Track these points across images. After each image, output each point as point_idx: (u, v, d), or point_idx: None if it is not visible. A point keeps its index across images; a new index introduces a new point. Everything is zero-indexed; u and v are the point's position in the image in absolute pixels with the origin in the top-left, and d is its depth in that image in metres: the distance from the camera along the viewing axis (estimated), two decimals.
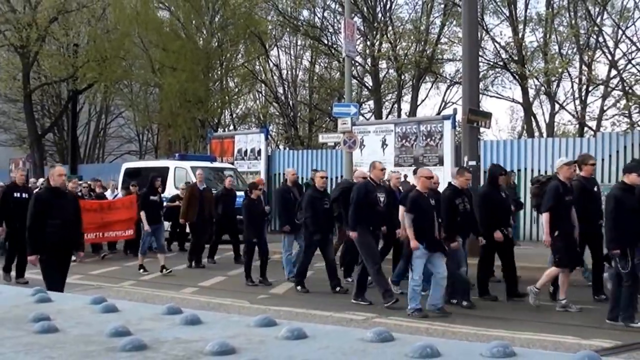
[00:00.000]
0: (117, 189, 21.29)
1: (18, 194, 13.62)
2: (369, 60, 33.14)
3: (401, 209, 11.15)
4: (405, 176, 21.27)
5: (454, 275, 10.52)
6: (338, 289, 12.23)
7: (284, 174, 18.69)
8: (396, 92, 34.99)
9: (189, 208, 16.67)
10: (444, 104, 36.16)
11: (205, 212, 16.62)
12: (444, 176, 20.32)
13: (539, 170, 19.56)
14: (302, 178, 23.70)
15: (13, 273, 13.76)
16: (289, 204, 13.64)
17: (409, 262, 10.28)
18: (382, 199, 11.19)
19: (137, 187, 18.56)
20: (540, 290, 10.41)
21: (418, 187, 10.35)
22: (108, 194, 20.55)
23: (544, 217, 10.31)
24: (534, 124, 31.64)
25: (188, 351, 1.74)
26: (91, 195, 19.52)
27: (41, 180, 21.05)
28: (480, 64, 25.22)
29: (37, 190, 16.25)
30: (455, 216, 10.86)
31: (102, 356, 1.71)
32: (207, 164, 22.79)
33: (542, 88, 30.44)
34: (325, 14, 35.73)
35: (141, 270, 15.18)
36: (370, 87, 34.43)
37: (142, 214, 15.30)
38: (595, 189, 11.21)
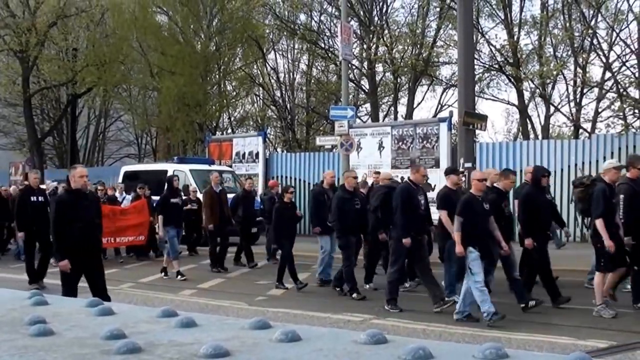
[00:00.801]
0: (124, 191, 20.88)
1: (35, 198, 13.53)
2: (365, 63, 33.29)
3: (443, 213, 10.86)
4: (402, 178, 21.55)
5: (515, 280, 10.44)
6: (354, 295, 11.89)
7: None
8: (392, 95, 35.11)
9: (213, 213, 15.92)
10: (440, 106, 36.24)
11: (223, 214, 16.09)
12: (440, 178, 20.58)
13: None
14: (301, 180, 23.99)
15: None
16: (321, 206, 13.38)
17: (464, 267, 9.70)
18: (422, 202, 10.87)
19: (145, 190, 18.49)
20: (604, 302, 9.86)
21: (472, 190, 10.00)
22: (116, 196, 20.13)
23: (599, 224, 9.85)
24: (529, 126, 31.75)
25: (182, 354, 1.73)
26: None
27: (48, 181, 20.96)
28: (476, 66, 25.46)
29: (49, 192, 16.39)
30: (500, 219, 10.52)
31: (96, 359, 1.71)
32: (206, 166, 22.94)
33: (537, 90, 30.55)
34: (322, 18, 35.87)
35: (179, 277, 14.45)
36: (366, 90, 34.57)
37: (160, 217, 14.78)
38: None
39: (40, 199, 13.52)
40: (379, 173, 15.47)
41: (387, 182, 13.26)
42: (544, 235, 11.04)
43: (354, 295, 11.78)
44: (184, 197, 17.27)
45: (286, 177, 25.08)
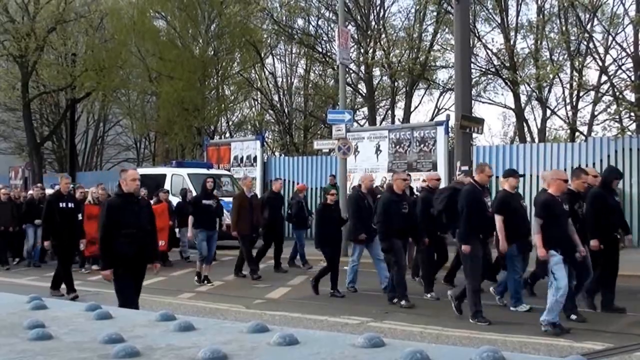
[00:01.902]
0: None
1: (64, 204, 12.72)
2: (362, 67, 33.35)
3: (499, 218, 10.30)
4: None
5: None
6: (394, 300, 11.28)
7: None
8: (390, 99, 35.16)
9: (240, 218, 15.14)
10: (437, 110, 36.33)
11: (254, 220, 15.36)
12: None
13: (532, 175, 19.70)
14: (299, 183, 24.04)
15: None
16: (363, 212, 12.64)
17: (548, 271, 9.07)
18: (489, 204, 10.29)
19: (167, 194, 18.14)
20: None
21: (550, 190, 9.36)
22: None
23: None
24: (525, 129, 31.78)
25: (180, 358, 1.73)
26: None
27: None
28: (473, 70, 25.50)
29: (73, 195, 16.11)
30: (575, 222, 10.05)
31: None
32: (204, 170, 22.99)
33: (534, 94, 30.66)
34: (320, 23, 36.00)
35: (205, 282, 14.07)
36: (364, 94, 34.65)
37: (190, 218, 14.33)
38: None
39: (70, 205, 12.81)
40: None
41: (435, 182, 13.02)
42: (612, 238, 10.68)
43: (403, 302, 11.10)
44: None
45: (284, 180, 25.15)
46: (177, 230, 18.49)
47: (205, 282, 14.07)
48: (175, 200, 19.50)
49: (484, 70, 31.32)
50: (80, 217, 13.11)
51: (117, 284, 8.23)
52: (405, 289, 11.29)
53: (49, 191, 18.89)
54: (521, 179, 12.02)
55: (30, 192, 20.42)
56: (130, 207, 8.19)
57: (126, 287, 8.22)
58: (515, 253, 10.45)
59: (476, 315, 9.79)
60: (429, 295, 11.94)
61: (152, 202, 18.47)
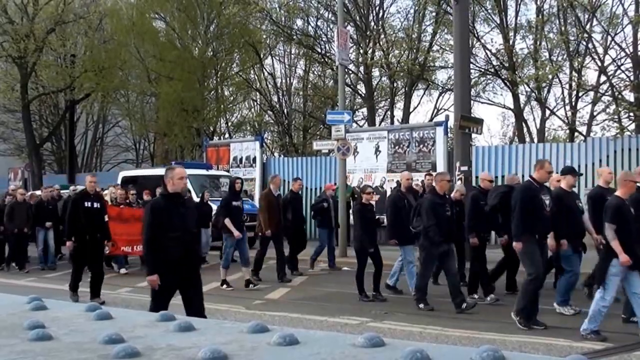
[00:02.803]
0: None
1: (89, 203, 12.13)
2: (362, 68, 33.34)
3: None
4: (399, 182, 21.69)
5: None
6: (464, 305, 10.59)
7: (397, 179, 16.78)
8: (389, 100, 35.14)
9: (271, 218, 14.65)
10: (436, 110, 36.32)
11: (282, 220, 15.04)
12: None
13: (531, 176, 19.68)
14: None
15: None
16: (402, 212, 12.18)
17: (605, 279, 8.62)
18: (547, 202, 9.67)
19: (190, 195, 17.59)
20: None
21: (618, 193, 8.86)
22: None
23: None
24: (525, 129, 31.77)
25: (181, 358, 1.73)
26: (129, 203, 17.49)
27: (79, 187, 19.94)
28: (472, 70, 25.49)
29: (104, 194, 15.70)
30: None
31: None
32: (203, 171, 23.02)
33: (533, 94, 30.64)
34: (319, 23, 35.99)
35: (224, 286, 13.56)
36: (363, 95, 34.65)
37: (227, 221, 13.51)
38: None
39: (96, 205, 12.20)
40: (430, 175, 14.79)
41: (487, 183, 12.58)
42: None
43: (421, 305, 10.85)
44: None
45: (283, 181, 25.16)
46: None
47: (250, 285, 13.45)
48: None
49: (483, 70, 31.30)
50: (106, 218, 12.58)
51: (154, 290, 7.68)
52: (426, 293, 11.03)
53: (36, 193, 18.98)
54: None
55: (38, 192, 20.19)
56: (177, 208, 7.60)
57: (162, 293, 7.57)
58: (569, 253, 10.18)
59: (519, 312, 9.39)
60: (488, 298, 11.47)
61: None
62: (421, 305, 10.84)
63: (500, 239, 11.86)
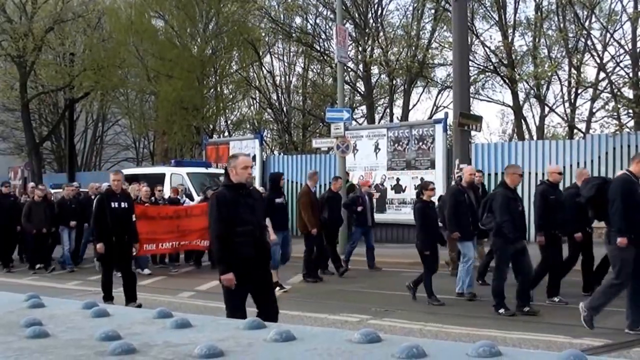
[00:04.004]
0: (184, 194, 19.41)
1: (116, 203, 11.33)
2: (361, 65, 33.38)
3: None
4: (398, 179, 21.71)
5: None
6: (526, 309, 10.13)
7: (457, 170, 15.91)
8: (388, 97, 35.22)
9: (314, 215, 14.29)
10: (435, 108, 36.39)
11: (320, 218, 14.68)
12: (436, 179, 20.72)
13: (530, 173, 19.74)
14: (297, 183, 24.07)
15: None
16: (462, 208, 11.74)
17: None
18: None
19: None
20: None
21: None
22: (178, 198, 18.49)
23: None
24: (524, 126, 31.84)
25: (177, 355, 1.72)
26: (153, 201, 17.22)
27: (105, 184, 19.00)
28: (471, 68, 25.52)
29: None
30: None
31: None
32: (203, 169, 23.02)
33: (532, 91, 30.70)
34: (318, 21, 36.04)
35: (277, 289, 12.55)
36: (362, 92, 34.70)
37: (267, 221, 12.77)
38: None
39: (123, 204, 11.42)
40: (481, 171, 14.32)
41: (556, 176, 11.57)
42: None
43: (501, 311, 10.10)
44: None
45: (284, 180, 25.16)
46: None
47: (278, 288, 12.49)
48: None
49: (482, 67, 31.34)
50: (134, 218, 11.76)
51: (226, 292, 6.98)
52: (504, 297, 10.26)
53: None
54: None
55: (58, 191, 19.75)
56: (244, 199, 6.94)
57: (237, 294, 6.93)
58: None
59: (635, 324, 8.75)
60: (557, 299, 10.97)
61: (197, 201, 17.85)
62: (501, 311, 10.09)
63: (577, 236, 11.22)
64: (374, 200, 17.98)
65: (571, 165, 19.77)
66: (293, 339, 1.83)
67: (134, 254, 12.17)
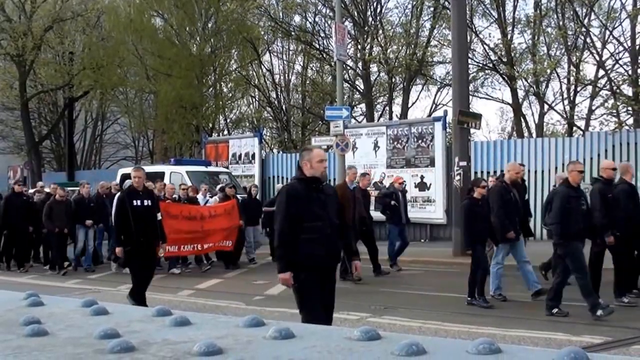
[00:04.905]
0: (208, 193, 18.78)
1: (138, 202, 10.50)
2: (360, 63, 33.31)
3: None
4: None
5: None
6: (555, 311, 9.78)
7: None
8: (387, 95, 35.17)
9: (346, 210, 13.45)
10: (434, 106, 36.36)
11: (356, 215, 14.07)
12: (435, 177, 20.76)
13: (529, 170, 19.74)
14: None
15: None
16: (509, 207, 11.17)
17: None
18: None
19: (235, 190, 16.98)
20: None
21: None
22: (200, 198, 17.76)
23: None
24: (523, 124, 31.80)
25: (176, 352, 1.72)
26: (176, 199, 16.73)
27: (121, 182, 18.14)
28: (470, 66, 25.56)
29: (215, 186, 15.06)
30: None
31: (90, 358, 1.70)
32: (202, 168, 23.02)
33: (531, 89, 30.62)
34: (317, 19, 36.04)
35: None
36: (361, 90, 34.65)
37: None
38: None
39: (147, 202, 10.57)
40: (523, 165, 13.78)
41: (610, 172, 11.20)
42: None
43: (599, 312, 9.41)
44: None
45: (282, 177, 25.20)
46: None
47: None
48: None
49: (481, 65, 31.33)
50: (159, 216, 10.95)
51: (300, 295, 6.52)
52: (596, 297, 9.72)
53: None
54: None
55: (74, 189, 19.41)
56: (316, 195, 6.50)
57: (312, 297, 6.47)
58: None
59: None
60: (626, 300, 10.62)
61: (216, 199, 17.28)
62: (599, 312, 9.41)
63: (608, 239, 10.71)
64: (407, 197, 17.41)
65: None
66: (292, 336, 1.84)
67: (161, 254, 11.59)
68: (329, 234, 6.44)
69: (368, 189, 15.88)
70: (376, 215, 15.78)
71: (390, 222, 15.64)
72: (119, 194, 11.46)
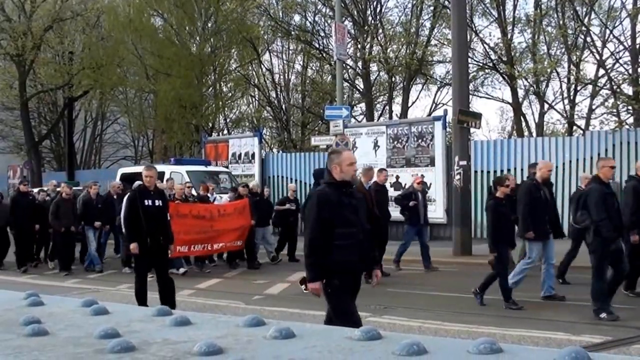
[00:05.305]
0: (214, 191, 18.83)
1: (149, 201, 10.29)
2: (360, 63, 33.36)
3: None
4: (397, 177, 21.69)
5: None
6: (603, 315, 9.41)
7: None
8: (387, 94, 35.23)
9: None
10: (434, 105, 36.44)
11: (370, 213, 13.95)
12: (435, 177, 20.73)
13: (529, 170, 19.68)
14: (296, 180, 24.06)
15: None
16: (537, 204, 10.82)
17: None
18: None
19: (248, 189, 16.70)
20: None
21: None
22: (209, 196, 17.76)
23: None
24: (523, 123, 31.85)
25: (176, 352, 1.72)
26: (188, 199, 16.60)
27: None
28: (470, 65, 25.54)
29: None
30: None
31: (90, 358, 1.70)
32: (202, 167, 23.00)
33: (531, 88, 30.66)
34: (316, 18, 36.07)
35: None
36: (361, 90, 34.68)
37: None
38: None
39: (158, 202, 10.38)
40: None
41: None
42: None
43: (602, 315, 9.27)
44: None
45: (282, 177, 25.19)
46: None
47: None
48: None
49: (481, 64, 31.35)
50: (168, 217, 10.78)
51: (334, 301, 6.28)
52: (608, 302, 9.53)
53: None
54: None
55: (79, 188, 19.18)
56: (347, 199, 6.27)
57: (347, 302, 6.30)
58: None
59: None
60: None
61: (226, 198, 17.19)
62: (603, 315, 9.28)
63: (633, 237, 10.59)
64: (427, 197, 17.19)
65: (570, 162, 19.77)
66: (293, 336, 1.84)
67: (170, 255, 11.32)
68: (361, 239, 6.24)
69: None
70: (395, 215, 15.58)
71: (408, 223, 15.50)
72: (129, 193, 11.22)
